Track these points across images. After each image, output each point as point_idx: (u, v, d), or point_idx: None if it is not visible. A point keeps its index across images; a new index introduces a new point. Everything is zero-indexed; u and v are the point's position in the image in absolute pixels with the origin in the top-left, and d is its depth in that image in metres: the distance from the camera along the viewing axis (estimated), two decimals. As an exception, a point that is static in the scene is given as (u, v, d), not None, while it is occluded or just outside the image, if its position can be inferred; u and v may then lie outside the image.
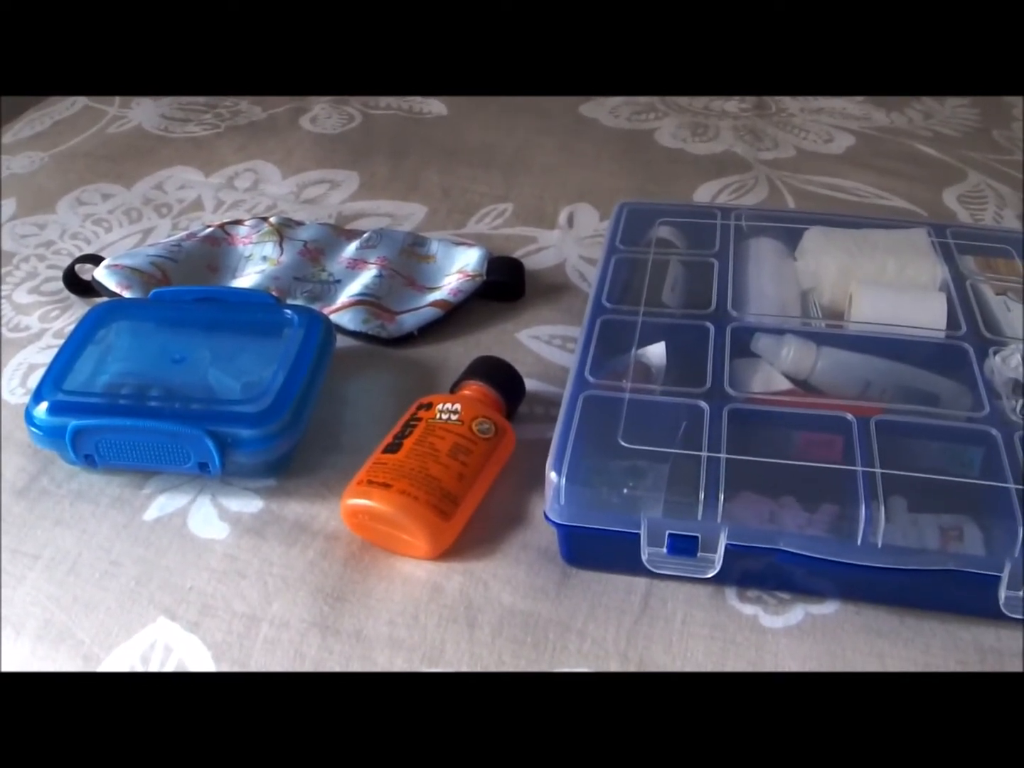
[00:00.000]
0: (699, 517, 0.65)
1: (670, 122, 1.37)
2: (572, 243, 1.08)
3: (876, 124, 1.37)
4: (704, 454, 0.67)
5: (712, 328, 0.79)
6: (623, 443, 0.68)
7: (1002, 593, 0.64)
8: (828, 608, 0.68)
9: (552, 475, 0.67)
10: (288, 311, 0.85)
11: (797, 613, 0.68)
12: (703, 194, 1.19)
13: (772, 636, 0.66)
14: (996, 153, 1.30)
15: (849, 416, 0.70)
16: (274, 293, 0.93)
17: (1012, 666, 0.65)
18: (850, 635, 0.66)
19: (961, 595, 0.67)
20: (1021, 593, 0.64)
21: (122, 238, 1.12)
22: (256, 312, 0.87)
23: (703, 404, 0.71)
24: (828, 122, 1.37)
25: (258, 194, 1.20)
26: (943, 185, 1.21)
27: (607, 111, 1.40)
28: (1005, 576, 0.64)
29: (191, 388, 0.79)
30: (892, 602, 0.68)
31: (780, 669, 0.64)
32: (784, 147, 1.30)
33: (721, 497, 0.65)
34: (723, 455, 0.67)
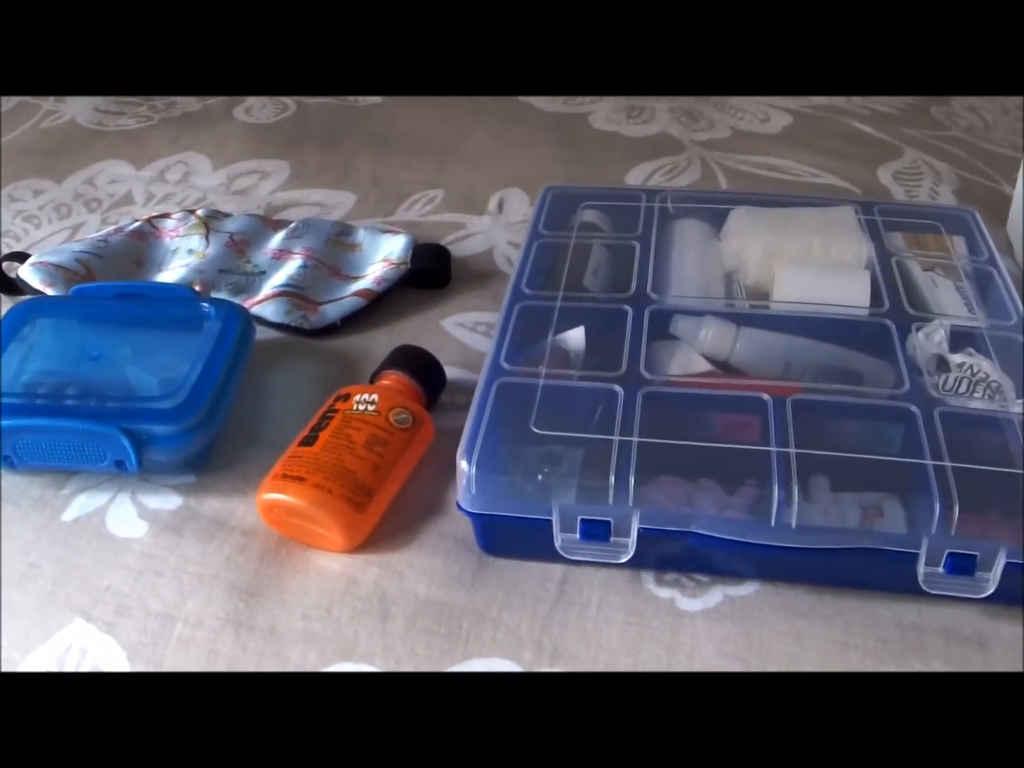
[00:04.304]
0: (610, 501, 0.65)
1: (605, 105, 1.36)
2: (501, 229, 1.08)
3: (813, 103, 1.37)
4: (616, 438, 0.66)
5: (631, 311, 0.78)
6: (535, 429, 0.67)
7: (920, 569, 0.64)
8: (747, 589, 0.68)
9: (463, 464, 0.66)
10: (206, 305, 0.84)
11: (715, 595, 0.67)
12: (636, 176, 1.18)
13: (689, 619, 0.66)
14: (933, 129, 1.30)
15: (765, 396, 0.70)
16: (198, 287, 0.93)
17: (933, 642, 0.65)
18: (768, 616, 0.66)
19: (880, 572, 0.67)
20: (940, 568, 0.64)
21: (51, 234, 1.11)
22: (175, 307, 0.86)
23: (618, 388, 0.71)
24: (765, 102, 1.37)
25: (188, 186, 1.19)
26: (878, 163, 1.21)
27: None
28: (923, 552, 0.63)
29: (109, 386, 0.78)
30: (811, 581, 0.68)
31: (696, 652, 0.64)
32: (719, 128, 1.29)
33: (632, 480, 0.64)
34: (635, 439, 0.66)
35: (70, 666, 0.64)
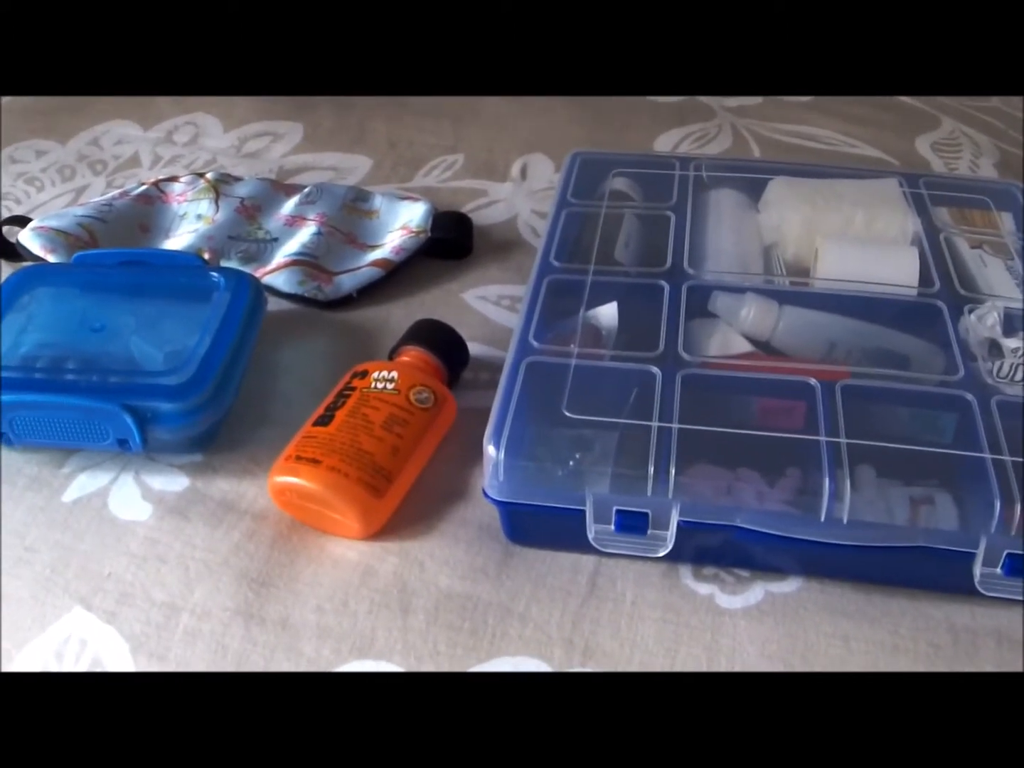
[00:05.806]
0: (649, 492, 0.60)
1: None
2: (524, 196, 1.04)
3: (847, 69, 1.32)
4: (654, 424, 0.62)
5: (667, 287, 0.74)
6: (567, 413, 0.63)
7: (977, 570, 0.60)
8: (790, 586, 0.64)
9: (490, 449, 0.62)
10: (215, 273, 0.80)
11: (756, 592, 0.64)
12: (664, 143, 1.14)
13: (729, 618, 0.62)
14: (972, 98, 1.25)
15: (812, 381, 0.66)
16: (206, 254, 0.89)
17: (986, 646, 0.61)
18: (812, 615, 0.62)
19: (933, 571, 0.63)
20: (998, 570, 0.60)
21: (53, 198, 1.07)
22: (182, 276, 0.82)
23: (655, 370, 0.66)
24: (797, 68, 1.31)
25: (197, 148, 1.16)
26: (916, 132, 1.17)
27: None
28: (980, 552, 0.59)
29: (111, 359, 0.74)
30: (858, 578, 0.64)
31: (737, 654, 0.60)
32: (750, 93, 1.24)
33: (672, 470, 0.60)
34: (675, 425, 0.62)
35: (69, 658, 0.61)
